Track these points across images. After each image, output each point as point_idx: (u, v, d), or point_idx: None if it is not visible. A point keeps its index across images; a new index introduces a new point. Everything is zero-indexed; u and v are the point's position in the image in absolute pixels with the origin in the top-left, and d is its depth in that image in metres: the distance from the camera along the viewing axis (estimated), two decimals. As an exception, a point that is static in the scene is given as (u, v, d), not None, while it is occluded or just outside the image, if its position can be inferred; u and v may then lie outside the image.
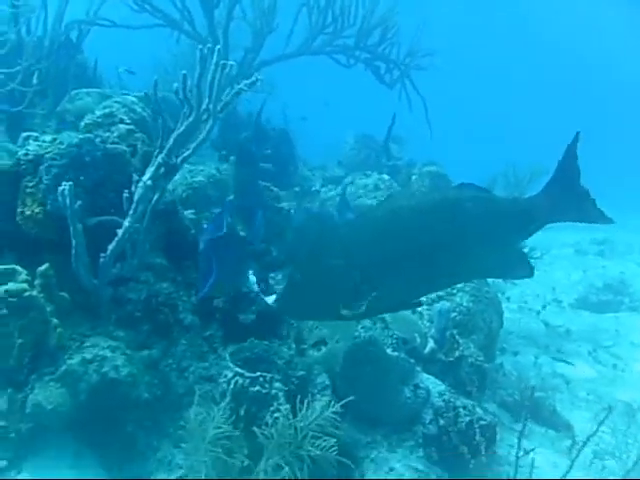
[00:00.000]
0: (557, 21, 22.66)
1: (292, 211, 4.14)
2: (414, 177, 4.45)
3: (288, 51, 5.54)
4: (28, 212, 3.04)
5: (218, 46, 2.51)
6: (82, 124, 3.42)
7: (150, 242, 3.19)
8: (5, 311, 2.43)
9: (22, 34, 4.81)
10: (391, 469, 2.74)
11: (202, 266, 3.09)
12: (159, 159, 2.68)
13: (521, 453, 2.74)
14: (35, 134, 3.27)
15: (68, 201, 2.66)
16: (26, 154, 3.10)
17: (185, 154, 2.70)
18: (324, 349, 3.11)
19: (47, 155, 3.01)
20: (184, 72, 2.61)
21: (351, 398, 2.59)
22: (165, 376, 3.08)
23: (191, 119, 2.62)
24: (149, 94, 2.67)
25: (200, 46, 2.52)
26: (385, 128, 7.07)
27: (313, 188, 5.47)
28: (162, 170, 2.71)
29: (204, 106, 2.61)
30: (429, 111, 6.22)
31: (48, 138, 3.25)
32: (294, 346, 3.24)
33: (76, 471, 2.81)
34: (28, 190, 3.07)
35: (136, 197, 2.80)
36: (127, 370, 2.88)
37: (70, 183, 2.67)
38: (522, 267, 2.22)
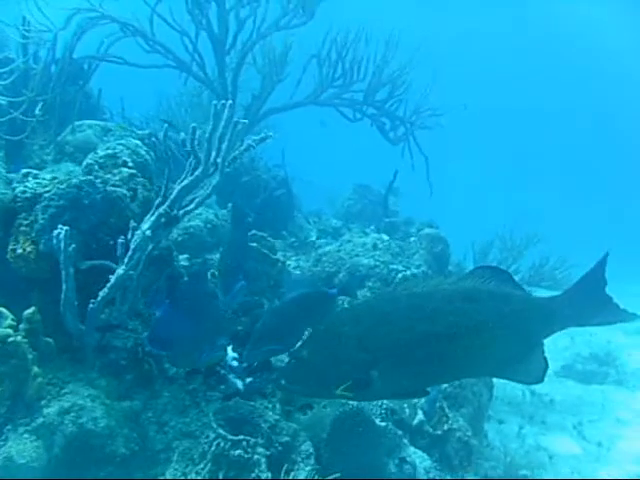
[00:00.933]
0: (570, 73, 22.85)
1: (286, 265, 4.09)
2: (413, 239, 4.42)
3: (296, 100, 5.55)
4: (20, 250, 2.97)
5: (230, 101, 2.48)
6: (84, 163, 3.38)
7: (142, 288, 3.13)
8: (-14, 356, 2.35)
9: (30, 63, 4.79)
10: None
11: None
12: (161, 210, 2.63)
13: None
14: (35, 171, 3.23)
15: (63, 245, 2.61)
16: (24, 192, 3.05)
17: (188, 207, 2.66)
18: (310, 413, 3.02)
19: (45, 194, 2.96)
20: (194, 125, 2.58)
21: (337, 475, 2.51)
22: (144, 430, 2.98)
23: (198, 172, 2.58)
24: (157, 141, 2.64)
25: (214, 102, 2.50)
26: (384, 180, 7.09)
27: (309, 239, 5.43)
28: (162, 220, 2.65)
29: (212, 160, 2.57)
30: (430, 168, 6.23)
31: (48, 176, 3.21)
32: (279, 406, 3.16)
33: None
34: (22, 228, 3.01)
35: (133, 245, 2.75)
36: (105, 422, 2.79)
37: (66, 228, 2.61)
38: (535, 371, 2.16)
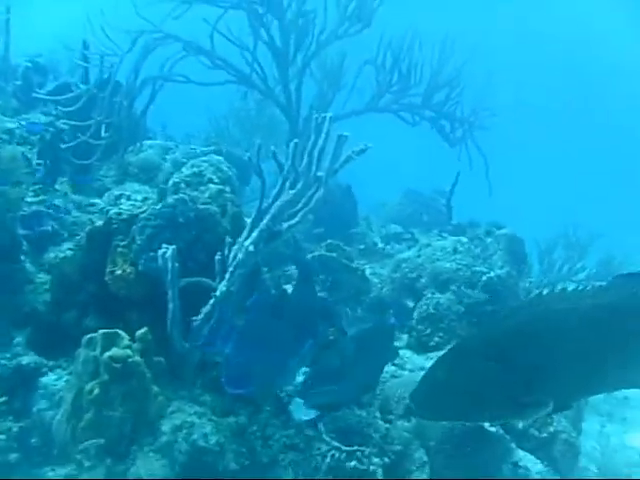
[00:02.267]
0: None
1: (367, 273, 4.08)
2: (489, 240, 4.39)
3: (356, 108, 5.56)
4: (119, 272, 3.01)
5: (330, 114, 2.48)
6: (170, 182, 3.41)
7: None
8: (107, 377, 2.37)
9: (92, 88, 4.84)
10: None
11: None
12: (263, 225, 2.63)
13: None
14: (127, 193, 3.27)
15: (170, 264, 2.62)
16: (119, 213, 3.09)
17: (292, 222, 2.66)
18: (414, 420, 3.00)
19: (142, 215, 3.00)
20: (296, 140, 2.59)
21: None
22: (251, 444, 2.99)
23: (299, 187, 2.58)
24: (251, 157, 2.65)
25: (315, 115, 2.50)
26: (430, 185, 7.07)
27: (377, 245, 5.42)
28: (264, 236, 2.66)
29: (312, 174, 2.57)
30: (489, 169, 6.19)
31: (140, 197, 3.25)
32: (378, 415, 3.14)
33: None
34: (119, 250, 3.05)
35: (235, 262, 2.76)
36: (215, 438, 2.80)
37: (174, 247, 2.64)
38: None
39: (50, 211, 3.97)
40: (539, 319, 1.89)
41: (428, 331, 3.78)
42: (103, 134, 4.69)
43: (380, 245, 5.35)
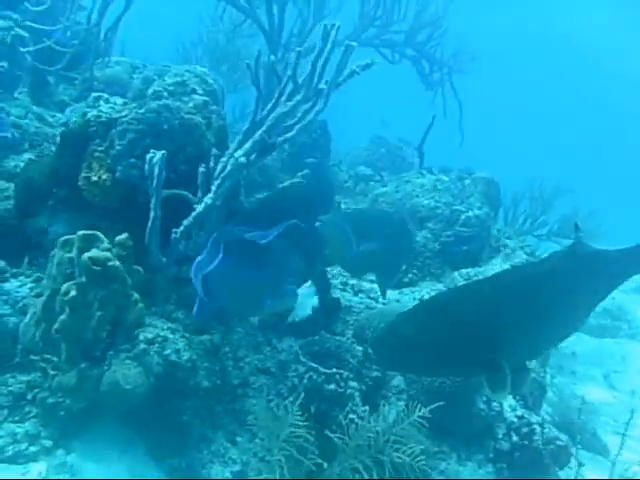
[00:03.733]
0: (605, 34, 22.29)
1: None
2: (467, 181, 4.34)
3: (338, 39, 5.37)
4: (95, 178, 2.86)
5: (339, 23, 2.36)
6: (150, 90, 3.22)
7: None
8: (84, 279, 2.24)
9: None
10: (464, 483, 2.62)
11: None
12: (257, 136, 2.51)
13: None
14: (106, 95, 3.08)
15: (157, 170, 2.48)
16: (98, 116, 2.91)
17: (288, 135, 2.54)
18: (390, 350, 2.96)
19: (123, 119, 2.83)
20: (299, 49, 2.46)
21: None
22: (223, 364, 2.91)
23: (299, 98, 2.46)
24: (250, 65, 2.51)
25: (325, 23, 2.37)
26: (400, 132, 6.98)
27: (346, 184, 5.34)
28: (257, 148, 2.53)
29: (314, 86, 2.45)
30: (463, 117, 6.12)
31: (119, 101, 3.07)
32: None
33: (126, 458, 2.65)
34: (96, 154, 2.88)
35: (224, 173, 2.63)
36: (188, 355, 2.72)
37: (163, 152, 2.49)
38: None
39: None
40: (496, 285, 1.88)
41: (403, 267, 3.73)
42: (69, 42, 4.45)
43: (348, 184, 5.27)
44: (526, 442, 2.76)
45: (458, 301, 1.87)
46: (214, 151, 2.76)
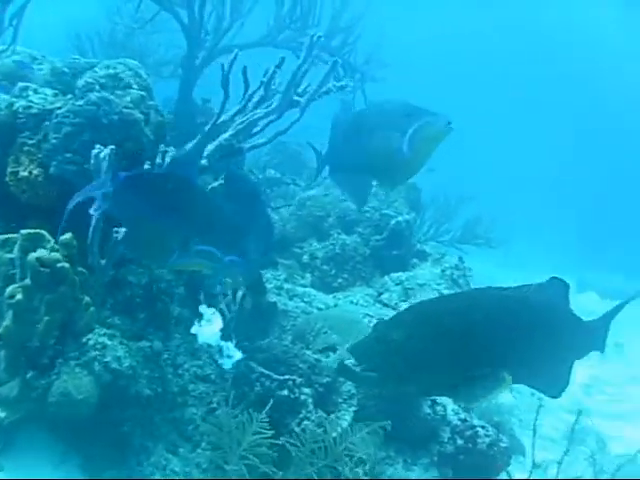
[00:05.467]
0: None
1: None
2: (390, 187, 4.37)
3: (253, 40, 5.30)
4: (24, 173, 2.65)
5: (320, 34, 2.33)
6: (81, 82, 3.03)
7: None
8: (29, 282, 2.07)
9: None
10: (413, 488, 2.62)
11: None
12: (223, 139, 2.42)
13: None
14: (34, 86, 2.87)
15: (105, 166, 2.33)
16: (28, 107, 2.71)
17: (259, 142, 2.47)
18: (333, 356, 2.93)
19: (58, 111, 2.65)
20: (282, 57, 2.40)
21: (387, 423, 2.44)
22: (163, 371, 2.78)
23: (274, 106, 2.40)
24: (224, 66, 2.42)
25: (311, 34, 2.34)
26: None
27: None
28: (220, 152, 2.45)
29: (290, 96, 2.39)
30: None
31: (49, 92, 2.87)
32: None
33: (60, 473, 2.48)
34: (26, 148, 2.68)
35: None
36: (128, 362, 2.57)
37: (112, 147, 2.34)
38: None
39: None
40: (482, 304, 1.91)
41: (333, 272, 3.72)
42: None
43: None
44: (470, 445, 2.81)
45: (452, 309, 1.88)
46: (162, 148, 2.65)
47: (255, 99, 2.48)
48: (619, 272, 11.03)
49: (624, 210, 16.44)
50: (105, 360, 2.49)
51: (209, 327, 2.86)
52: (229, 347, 2.86)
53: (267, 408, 2.23)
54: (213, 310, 2.85)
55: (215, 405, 2.78)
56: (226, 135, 2.44)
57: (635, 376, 6.50)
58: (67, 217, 2.16)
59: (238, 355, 2.80)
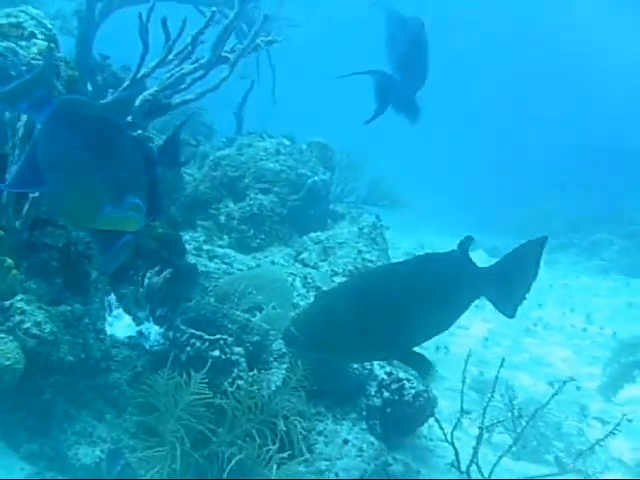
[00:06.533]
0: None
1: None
2: (304, 146, 4.35)
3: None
4: None
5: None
6: (-20, 30, 2.81)
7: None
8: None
9: None
10: (345, 441, 2.65)
11: None
12: (148, 94, 2.30)
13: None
14: None
15: (24, 119, 2.17)
16: None
17: (188, 97, 2.36)
18: (259, 315, 2.91)
19: (-38, 61, 2.45)
20: (214, 9, 2.30)
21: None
22: (85, 337, 2.67)
23: (203, 61, 2.30)
24: (141, 17, 2.30)
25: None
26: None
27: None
28: (145, 107, 2.33)
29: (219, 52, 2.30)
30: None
31: (-50, 40, 2.65)
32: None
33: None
34: None
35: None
36: (49, 327, 2.45)
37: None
38: None
39: None
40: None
41: (251, 232, 3.67)
42: None
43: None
44: (397, 397, 2.87)
45: (390, 280, 1.91)
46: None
47: (177, 52, 2.37)
48: (506, 234, 11.52)
49: (515, 178, 17.05)
50: (25, 326, 2.37)
51: (120, 322, 2.80)
52: (148, 327, 2.79)
53: (206, 369, 2.20)
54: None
55: (140, 369, 2.71)
56: (151, 90, 2.32)
57: (528, 328, 6.80)
58: None
59: (158, 329, 2.74)
